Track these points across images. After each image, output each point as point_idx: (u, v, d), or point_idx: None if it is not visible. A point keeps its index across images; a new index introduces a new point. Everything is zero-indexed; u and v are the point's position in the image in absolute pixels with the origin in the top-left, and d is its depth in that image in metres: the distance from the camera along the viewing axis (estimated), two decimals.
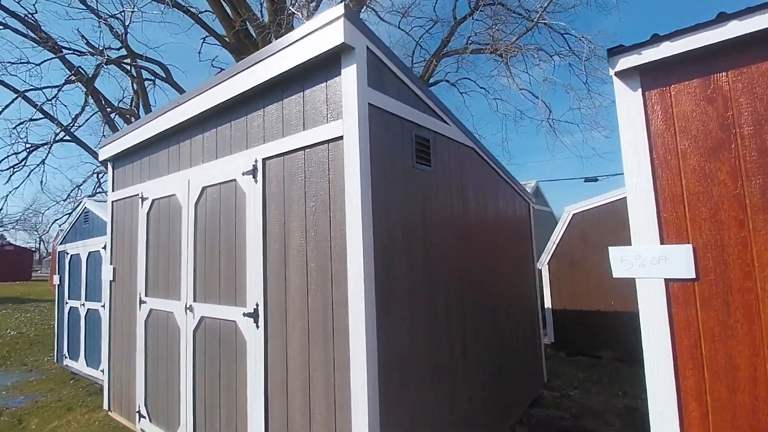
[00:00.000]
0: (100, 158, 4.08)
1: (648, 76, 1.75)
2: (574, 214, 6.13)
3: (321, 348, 2.10)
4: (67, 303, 6.01)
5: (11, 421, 3.98)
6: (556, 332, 6.07)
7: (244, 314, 2.48)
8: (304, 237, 2.23)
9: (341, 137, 2.05)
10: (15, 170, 10.29)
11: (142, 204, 3.53)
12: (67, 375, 5.67)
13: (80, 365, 5.53)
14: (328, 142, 2.13)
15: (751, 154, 1.50)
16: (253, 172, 2.52)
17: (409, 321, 2.23)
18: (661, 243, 1.68)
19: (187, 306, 2.94)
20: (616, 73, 1.79)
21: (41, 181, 8.47)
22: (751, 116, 1.51)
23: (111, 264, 3.98)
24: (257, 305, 2.42)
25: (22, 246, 30.33)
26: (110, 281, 3.98)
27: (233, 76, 2.56)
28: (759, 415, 1.46)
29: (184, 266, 3.02)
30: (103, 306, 4.08)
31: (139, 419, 3.39)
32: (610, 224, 5.67)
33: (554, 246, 6.22)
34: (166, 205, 3.27)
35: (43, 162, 8.69)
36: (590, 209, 5.96)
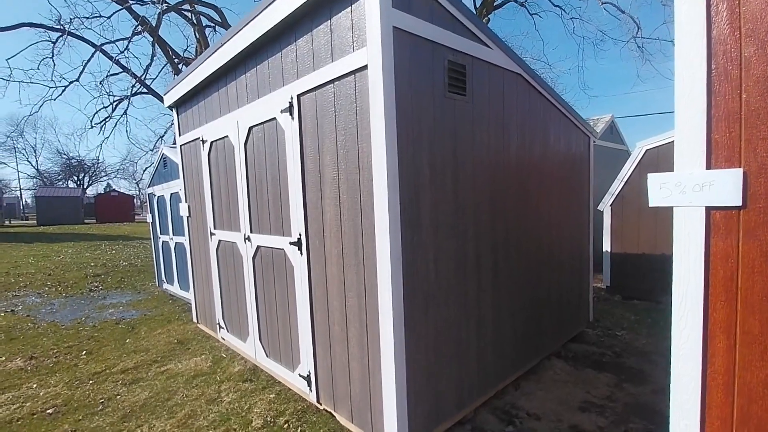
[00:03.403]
0: (166, 104, 4.49)
1: None
2: (647, 150, 5.52)
3: (353, 272, 2.30)
4: (159, 238, 7.03)
5: (126, 328, 4.98)
6: (613, 276, 5.81)
7: (290, 243, 2.76)
8: (336, 170, 2.35)
9: (366, 66, 2.05)
10: (106, 121, 11.74)
11: (203, 146, 3.89)
12: (166, 296, 6.79)
13: (175, 288, 6.58)
14: (354, 72, 2.14)
15: None
16: (290, 109, 2.64)
17: (435, 251, 2.32)
18: (708, 168, 1.51)
19: (246, 237, 3.32)
20: None
21: (126, 131, 9.61)
22: None
23: (186, 202, 4.54)
24: (300, 234, 2.67)
25: (125, 192, 35.13)
26: (187, 217, 4.57)
27: (263, 10, 2.60)
28: None
29: (240, 202, 3.36)
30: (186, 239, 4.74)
31: (219, 329, 4.05)
32: None
33: (620, 186, 5.73)
34: (222, 147, 3.58)
35: (125, 113, 9.77)
36: (667, 144, 5.31)
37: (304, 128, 2.57)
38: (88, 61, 8.89)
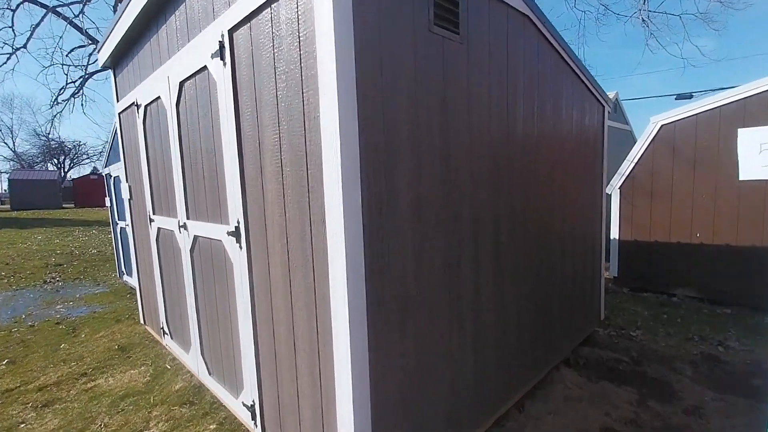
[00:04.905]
0: (100, 63, 3.72)
1: None
2: (662, 126, 4.88)
3: (300, 273, 1.66)
4: (117, 224, 6.29)
5: (67, 329, 4.30)
6: (621, 266, 5.25)
7: (228, 233, 2.10)
8: (277, 132, 1.67)
9: None
10: (74, 97, 10.79)
11: (137, 112, 3.16)
12: (126, 289, 6.11)
13: (135, 280, 5.90)
14: None
15: None
16: (221, 51, 1.93)
17: (416, 240, 1.68)
18: None
19: (181, 224, 2.65)
20: None
21: (82, 104, 8.73)
22: None
23: (127, 182, 3.82)
24: (238, 222, 2.01)
25: None
26: (128, 200, 3.86)
27: None
28: None
29: (176, 180, 2.67)
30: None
31: (164, 335, 3.41)
32: (713, 137, 4.42)
33: (632, 165, 5.11)
34: (156, 111, 2.87)
35: (82, 85, 8.85)
36: (685, 119, 4.68)
37: (239, 77, 1.88)
38: (38, 24, 7.88)
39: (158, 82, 2.70)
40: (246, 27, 1.78)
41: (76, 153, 40.76)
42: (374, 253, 1.50)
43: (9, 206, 25.77)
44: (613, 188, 5.27)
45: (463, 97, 1.88)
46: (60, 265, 8.42)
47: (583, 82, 3.11)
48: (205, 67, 2.12)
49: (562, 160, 2.86)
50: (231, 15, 1.83)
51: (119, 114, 3.72)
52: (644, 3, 8.76)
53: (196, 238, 2.51)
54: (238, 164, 1.93)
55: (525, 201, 2.44)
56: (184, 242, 2.67)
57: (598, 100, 3.43)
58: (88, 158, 41.60)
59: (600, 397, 2.66)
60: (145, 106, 3.01)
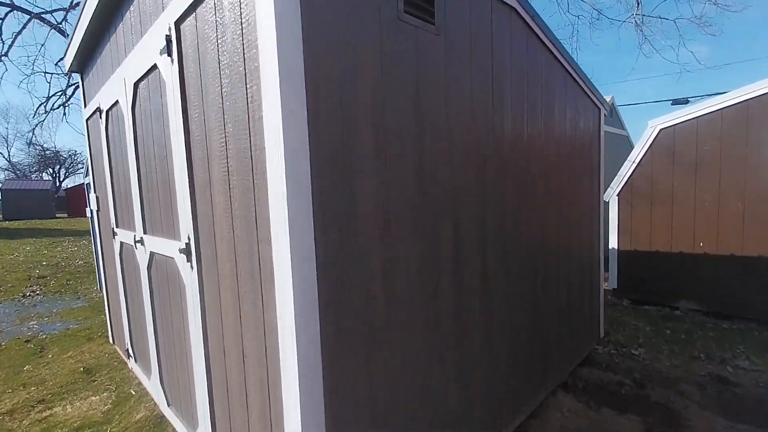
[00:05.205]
0: (66, 68, 3.51)
1: None
2: (661, 130, 4.69)
3: (250, 299, 1.42)
4: (97, 235, 6.06)
5: (35, 349, 4.04)
6: (621, 276, 5.01)
7: (180, 250, 1.86)
8: (223, 134, 1.45)
9: None
10: (64, 106, 10.59)
11: (101, 118, 2.95)
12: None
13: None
14: None
15: None
16: (168, 46, 1.72)
17: (384, 260, 1.45)
18: None
19: (137, 239, 2.42)
20: None
21: (64, 114, 8.53)
22: None
23: (95, 192, 3.59)
24: (189, 238, 1.78)
25: None
26: (96, 211, 3.63)
27: None
28: None
29: (133, 191, 2.45)
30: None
31: (129, 357, 3.15)
32: (715, 141, 4.22)
33: (630, 171, 4.91)
34: (116, 116, 2.65)
35: (63, 92, 8.66)
36: (685, 122, 4.49)
37: (187, 74, 1.66)
38: (21, 31, 7.70)
39: (116, 84, 2.49)
40: (192, 17, 1.57)
41: (72, 162, 40.57)
42: (330, 277, 1.27)
43: (1, 216, 25.48)
44: (611, 195, 5.06)
45: (441, 94, 1.67)
46: (43, 277, 8.16)
47: (577, 82, 2.91)
48: (155, 66, 1.91)
49: (557, 164, 2.65)
50: (177, 4, 1.62)
51: (86, 120, 3.50)
52: (638, 7, 8.63)
53: (152, 254, 2.28)
54: (187, 173, 1.71)
55: (518, 212, 2.22)
56: (141, 258, 2.44)
57: (594, 102, 3.23)
58: (83, 167, 41.38)
59: (601, 425, 2.41)
60: (107, 112, 2.80)
